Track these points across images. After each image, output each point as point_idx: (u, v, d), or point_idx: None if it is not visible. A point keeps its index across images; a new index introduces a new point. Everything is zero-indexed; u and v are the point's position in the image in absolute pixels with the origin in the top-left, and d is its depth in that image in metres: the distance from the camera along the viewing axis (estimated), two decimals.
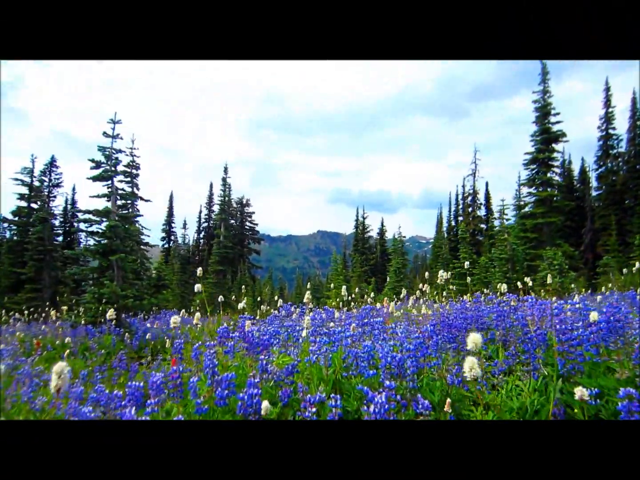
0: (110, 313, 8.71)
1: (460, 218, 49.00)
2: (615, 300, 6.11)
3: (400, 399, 2.47)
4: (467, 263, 6.93)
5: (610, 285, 17.08)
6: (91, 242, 14.76)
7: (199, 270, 3.89)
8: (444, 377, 3.11)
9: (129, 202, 20.43)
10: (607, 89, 38.05)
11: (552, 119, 34.00)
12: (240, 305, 5.34)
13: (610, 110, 38.05)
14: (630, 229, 32.78)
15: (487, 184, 49.68)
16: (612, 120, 38.16)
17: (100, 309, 11.94)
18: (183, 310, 10.53)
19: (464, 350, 3.53)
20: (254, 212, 58.32)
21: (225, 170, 52.42)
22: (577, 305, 4.17)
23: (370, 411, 2.15)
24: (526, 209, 33.90)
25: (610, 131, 38.05)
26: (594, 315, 3.16)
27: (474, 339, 2.24)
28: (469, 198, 48.50)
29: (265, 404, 2.16)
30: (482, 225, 45.96)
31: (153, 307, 18.37)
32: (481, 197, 48.55)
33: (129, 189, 21.90)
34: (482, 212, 47.82)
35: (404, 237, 46.50)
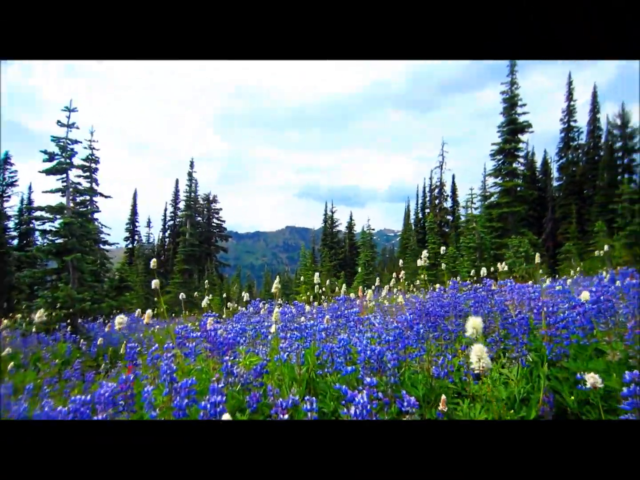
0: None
1: (427, 210, 49.65)
2: (609, 279, 5.96)
3: (382, 396, 2.20)
4: (442, 248, 6.77)
5: (572, 271, 17.48)
6: (46, 241, 13.84)
7: (153, 262, 3.48)
8: (427, 370, 2.86)
9: (87, 198, 19.40)
10: (570, 83, 39.24)
11: (519, 110, 34.84)
12: (204, 303, 4.94)
13: (572, 103, 39.29)
14: (588, 217, 33.93)
15: (453, 176, 50.50)
16: (574, 114, 39.45)
17: (54, 314, 11.20)
18: (139, 310, 9.94)
19: (446, 339, 3.31)
20: (221, 209, 57.21)
21: (192, 164, 51.13)
22: (567, 286, 4.04)
23: (351, 413, 1.87)
24: (492, 199, 34.64)
25: (572, 124, 39.32)
26: (585, 295, 2.97)
27: (474, 324, 1.99)
28: (436, 190, 49.16)
29: (225, 416, 1.82)
30: (449, 217, 46.65)
31: (115, 310, 17.64)
32: (448, 189, 49.35)
33: (88, 184, 20.71)
34: (448, 204, 48.61)
35: (373, 229, 46.69)
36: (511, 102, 34.94)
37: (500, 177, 35.04)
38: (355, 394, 2.00)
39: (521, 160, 35.81)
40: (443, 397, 1.90)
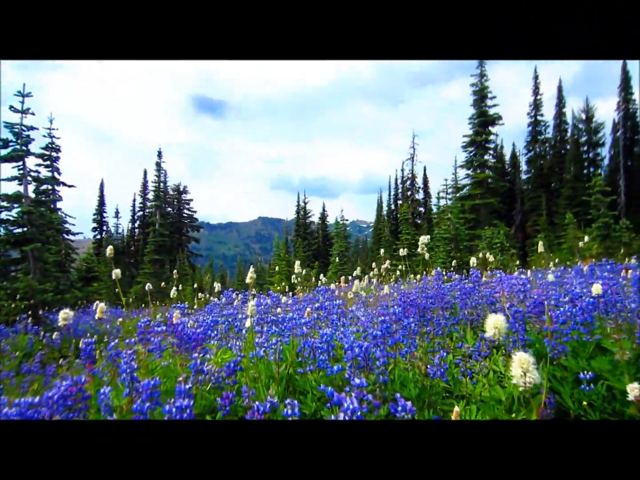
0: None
1: (400, 202, 49.93)
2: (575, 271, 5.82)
3: (371, 398, 1.93)
4: (426, 237, 6.52)
5: (543, 262, 17.75)
6: (4, 231, 13.07)
7: (109, 249, 3.13)
8: (418, 367, 2.61)
9: (49, 187, 18.54)
10: (536, 77, 39.85)
11: (489, 102, 35.10)
12: (172, 293, 4.55)
13: (538, 97, 39.93)
14: (556, 210, 34.64)
15: (424, 168, 50.94)
16: (540, 107, 40.16)
17: (14, 306, 10.59)
18: (102, 303, 9.43)
19: (439, 334, 3.07)
20: (192, 200, 56.17)
21: (159, 154, 49.80)
22: (567, 276, 3.86)
23: (340, 418, 1.61)
24: (464, 190, 34.93)
25: (539, 117, 40.02)
26: (597, 289, 2.74)
27: (495, 323, 1.71)
28: (408, 182, 49.42)
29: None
30: (420, 209, 46.98)
31: (82, 301, 16.98)
32: (419, 181, 49.69)
33: (49, 173, 19.74)
34: (420, 195, 48.99)
35: (347, 220, 46.63)
36: (481, 95, 35.15)
37: (472, 169, 35.35)
38: (343, 397, 1.74)
39: (492, 152, 36.18)
40: (456, 409, 1.61)
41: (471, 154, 35.75)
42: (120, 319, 12.57)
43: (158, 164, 49.95)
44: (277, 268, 34.39)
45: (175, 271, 4.93)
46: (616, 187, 33.95)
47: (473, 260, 4.89)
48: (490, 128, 35.39)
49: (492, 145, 35.81)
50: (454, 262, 6.14)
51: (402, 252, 4.72)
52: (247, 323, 2.68)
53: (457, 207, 31.15)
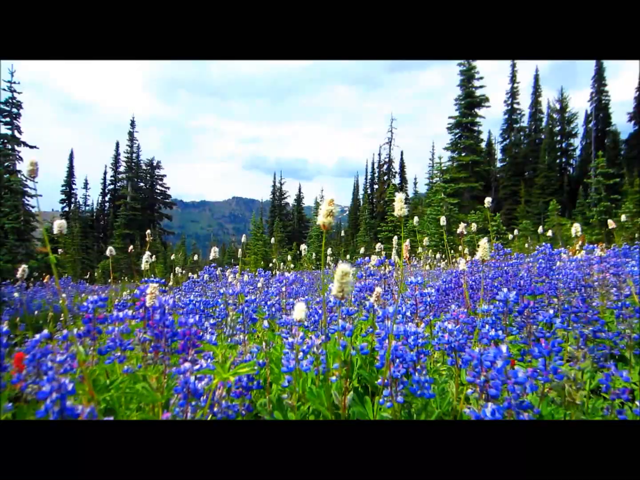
0: None
1: (376, 186, 49.59)
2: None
3: None
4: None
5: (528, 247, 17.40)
6: None
7: (58, 224, 2.08)
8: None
9: (8, 147, 16.66)
10: (513, 66, 39.65)
11: (476, 83, 34.45)
12: (145, 263, 3.30)
13: (515, 85, 39.78)
14: (528, 198, 34.67)
15: (402, 152, 50.47)
16: (517, 96, 40.16)
17: None
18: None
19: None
20: (165, 175, 54.35)
21: (132, 123, 47.35)
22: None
23: None
24: (445, 175, 34.27)
25: (515, 106, 40.03)
26: None
27: None
28: (385, 166, 48.90)
29: None
30: (393, 194, 46.49)
31: (41, 273, 15.67)
32: (397, 165, 49.30)
33: (8, 131, 17.68)
34: (396, 180, 48.62)
35: None
36: (468, 75, 34.48)
37: (456, 152, 34.76)
38: None
39: (477, 135, 35.88)
40: None
41: (457, 136, 35.10)
42: (84, 295, 11.29)
43: (131, 134, 47.68)
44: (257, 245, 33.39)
45: (148, 232, 3.73)
46: (587, 177, 34.50)
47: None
48: (476, 110, 34.77)
49: (478, 128, 35.30)
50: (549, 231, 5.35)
51: (462, 229, 3.58)
52: (298, 312, 1.46)
53: (444, 187, 30.19)
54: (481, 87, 34.45)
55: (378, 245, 5.45)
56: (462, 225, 3.56)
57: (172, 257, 12.61)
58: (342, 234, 34.21)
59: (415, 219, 6.11)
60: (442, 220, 4.21)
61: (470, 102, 34.07)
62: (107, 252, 3.66)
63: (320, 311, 1.97)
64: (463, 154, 34.07)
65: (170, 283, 8.42)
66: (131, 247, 5.50)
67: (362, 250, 9.94)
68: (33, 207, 18.65)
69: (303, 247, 4.77)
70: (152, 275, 3.68)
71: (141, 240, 43.57)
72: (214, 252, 3.37)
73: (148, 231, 4.09)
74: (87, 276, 14.97)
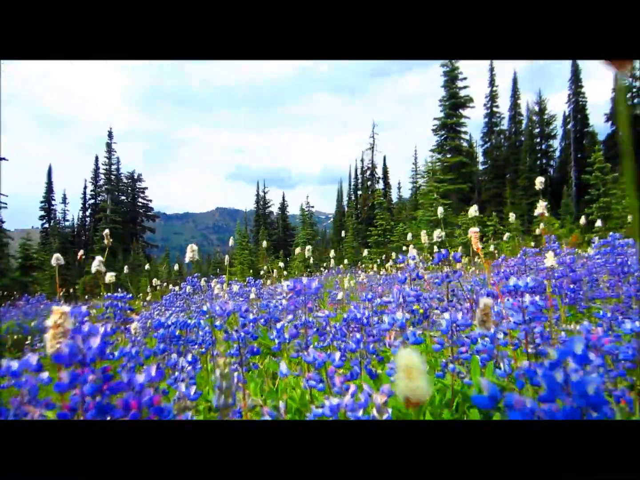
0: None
1: (360, 192, 49.53)
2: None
3: None
4: (440, 209, 5.16)
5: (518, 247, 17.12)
6: None
7: (55, 257, 1.64)
8: None
9: None
10: (492, 69, 39.90)
11: (459, 84, 34.51)
12: (108, 277, 2.77)
13: (494, 89, 40.01)
14: (512, 200, 34.89)
15: (384, 158, 50.44)
16: (496, 99, 40.36)
17: None
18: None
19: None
20: (146, 188, 53.41)
21: (110, 135, 46.35)
22: None
23: None
24: (432, 176, 34.18)
25: (495, 109, 40.26)
26: None
27: None
28: (368, 172, 48.87)
29: None
30: (381, 198, 46.40)
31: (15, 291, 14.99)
32: (379, 171, 49.33)
33: None
34: (380, 185, 48.59)
35: (312, 207, 45.48)
36: (451, 76, 34.55)
37: (442, 154, 34.70)
38: None
39: (464, 137, 36.00)
40: None
41: (442, 138, 35.07)
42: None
43: (109, 145, 46.72)
44: (245, 254, 32.77)
45: (105, 232, 3.12)
46: (567, 179, 34.59)
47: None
48: (461, 111, 34.84)
49: (464, 129, 35.38)
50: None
51: (543, 209, 3.01)
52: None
53: (436, 187, 29.83)
54: (465, 87, 34.57)
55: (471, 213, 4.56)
56: (541, 203, 3.05)
57: (147, 266, 11.99)
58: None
59: (440, 209, 5.59)
60: (440, 212, 3.82)
61: (454, 102, 34.12)
62: (53, 261, 3.10)
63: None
64: (449, 155, 33.99)
65: (149, 297, 7.83)
66: (81, 251, 4.94)
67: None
68: (4, 222, 17.81)
69: (308, 247, 4.22)
70: (120, 290, 3.13)
71: (124, 254, 42.53)
72: (192, 250, 2.65)
73: (106, 231, 3.53)
74: (61, 293, 14.23)
